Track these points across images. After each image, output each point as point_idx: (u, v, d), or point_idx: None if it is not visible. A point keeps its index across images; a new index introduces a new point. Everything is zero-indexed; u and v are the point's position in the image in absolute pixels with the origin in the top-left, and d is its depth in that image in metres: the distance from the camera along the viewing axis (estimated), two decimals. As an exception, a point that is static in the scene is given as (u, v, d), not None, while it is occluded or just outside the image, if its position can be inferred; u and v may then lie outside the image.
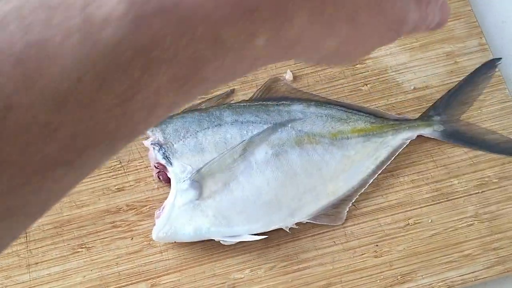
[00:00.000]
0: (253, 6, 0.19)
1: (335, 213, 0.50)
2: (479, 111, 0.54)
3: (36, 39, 0.17)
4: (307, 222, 0.50)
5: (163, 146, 0.49)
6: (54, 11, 0.17)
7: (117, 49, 0.18)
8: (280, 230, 0.49)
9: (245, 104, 0.52)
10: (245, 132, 0.50)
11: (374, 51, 0.29)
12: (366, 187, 0.51)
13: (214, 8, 0.19)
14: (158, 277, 0.49)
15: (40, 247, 0.50)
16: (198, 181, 0.48)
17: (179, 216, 0.48)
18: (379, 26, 0.25)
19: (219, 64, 0.20)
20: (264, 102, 0.52)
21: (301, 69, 0.56)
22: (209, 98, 0.54)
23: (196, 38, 0.19)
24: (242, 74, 0.22)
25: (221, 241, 0.48)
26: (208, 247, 0.50)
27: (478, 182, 0.52)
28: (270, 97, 0.53)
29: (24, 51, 0.17)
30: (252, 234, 0.48)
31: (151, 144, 0.50)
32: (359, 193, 0.51)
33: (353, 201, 0.51)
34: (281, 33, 0.21)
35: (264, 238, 0.48)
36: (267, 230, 0.49)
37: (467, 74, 0.55)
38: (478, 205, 0.51)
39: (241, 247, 0.50)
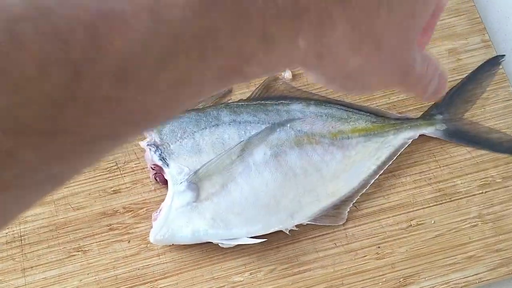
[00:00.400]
0: (304, 6, 0.21)
1: (336, 213, 0.49)
2: (482, 110, 0.53)
3: (109, 9, 0.17)
4: (307, 224, 0.49)
5: (160, 147, 0.48)
6: None
7: (181, 32, 0.18)
8: (280, 232, 0.48)
9: (243, 103, 0.51)
10: (243, 132, 0.49)
11: (379, 90, 0.29)
12: (367, 187, 0.50)
13: (271, 3, 0.20)
14: (155, 280, 0.48)
15: (36, 250, 0.49)
16: (195, 183, 0.47)
17: (177, 219, 0.47)
18: (394, 61, 0.27)
19: (264, 59, 0.21)
20: (263, 102, 0.51)
21: (301, 67, 0.55)
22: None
23: (251, 31, 0.20)
24: (276, 72, 0.23)
25: (219, 244, 0.48)
26: (206, 250, 0.49)
27: (481, 182, 0.51)
28: (269, 96, 0.52)
29: (97, 19, 0.16)
30: (251, 237, 0.47)
31: (147, 145, 0.49)
32: (360, 194, 0.50)
33: (354, 202, 0.50)
34: (321, 39, 0.22)
35: (264, 241, 0.47)
36: (267, 233, 0.48)
37: (470, 71, 0.54)
38: (481, 205, 0.50)
39: (241, 249, 0.49)
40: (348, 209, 0.49)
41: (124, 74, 0.17)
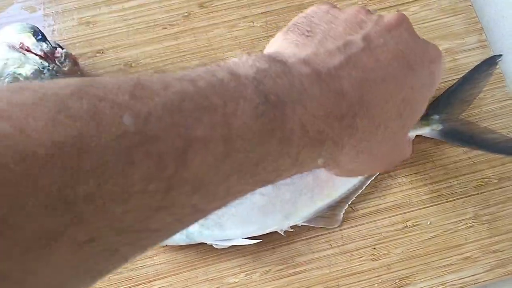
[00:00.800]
0: (325, 136, 0.27)
1: (331, 215, 0.49)
2: (478, 110, 0.53)
3: (195, 136, 0.21)
4: (302, 225, 0.48)
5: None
6: (204, 112, 0.21)
7: (243, 157, 0.23)
8: (274, 233, 0.48)
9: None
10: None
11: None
12: (363, 188, 0.50)
13: (305, 134, 0.25)
14: (149, 282, 0.48)
15: (27, 251, 0.48)
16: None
17: (171, 220, 0.46)
18: (383, 162, 0.35)
19: (292, 173, 0.27)
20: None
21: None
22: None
23: (289, 155, 0.25)
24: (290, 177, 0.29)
25: (213, 245, 0.47)
26: (201, 251, 0.49)
27: (477, 182, 0.51)
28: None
29: (186, 145, 0.21)
30: (247, 238, 0.47)
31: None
32: (356, 195, 0.50)
33: (350, 203, 0.49)
34: (332, 157, 0.29)
35: (259, 242, 0.47)
36: (262, 234, 0.47)
37: (467, 71, 0.53)
38: (477, 206, 0.50)
39: (235, 250, 0.48)
40: (344, 211, 0.49)
41: (196, 187, 0.21)
